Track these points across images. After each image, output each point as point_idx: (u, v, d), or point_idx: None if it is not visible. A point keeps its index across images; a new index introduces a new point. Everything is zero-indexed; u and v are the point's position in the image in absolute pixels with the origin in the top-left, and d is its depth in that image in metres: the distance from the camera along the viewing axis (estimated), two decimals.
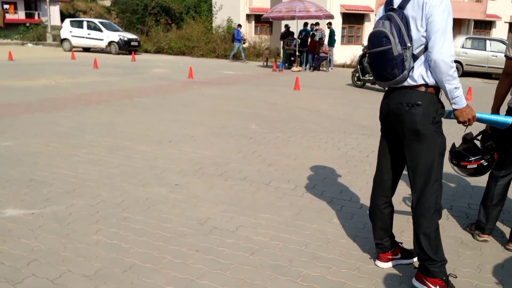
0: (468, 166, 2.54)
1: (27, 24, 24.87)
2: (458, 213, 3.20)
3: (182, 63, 15.88)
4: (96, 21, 20.29)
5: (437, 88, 2.08)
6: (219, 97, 8.43)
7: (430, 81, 2.04)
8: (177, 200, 3.25)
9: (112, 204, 3.12)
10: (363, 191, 3.55)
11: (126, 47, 19.02)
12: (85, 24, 19.73)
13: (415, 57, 2.04)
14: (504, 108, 2.65)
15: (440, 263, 2.11)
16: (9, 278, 2.16)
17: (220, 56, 19.73)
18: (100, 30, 19.34)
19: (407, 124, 2.07)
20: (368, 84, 10.91)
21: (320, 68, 15.60)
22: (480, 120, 2.24)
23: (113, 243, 2.56)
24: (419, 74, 2.05)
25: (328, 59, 15.90)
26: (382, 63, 2.06)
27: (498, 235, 2.84)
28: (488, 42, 15.28)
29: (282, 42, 16.04)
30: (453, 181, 3.89)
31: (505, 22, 25.05)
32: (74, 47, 19.32)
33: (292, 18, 14.79)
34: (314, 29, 15.13)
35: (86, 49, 20.06)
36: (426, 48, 2.03)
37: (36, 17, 25.92)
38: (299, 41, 15.25)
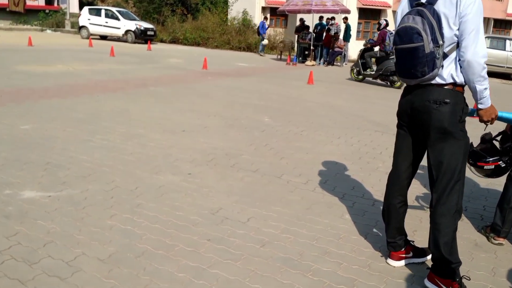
0: (485, 167, 2.51)
1: (47, 11, 25.10)
2: (473, 215, 3.16)
3: (196, 54, 15.90)
4: (114, 9, 20.40)
5: (463, 87, 2.06)
6: (233, 89, 8.44)
7: (460, 80, 2.01)
8: (189, 189, 3.28)
9: (126, 191, 3.17)
10: (376, 188, 3.53)
11: (142, 36, 19.12)
12: (103, 12, 19.86)
13: (445, 55, 2.00)
14: None
15: (455, 265, 2.08)
16: (26, 258, 2.21)
17: (234, 48, 19.70)
18: (117, 18, 19.45)
19: (434, 122, 2.03)
20: (369, 79, 10.87)
21: (334, 63, 15.47)
22: (501, 119, 2.23)
23: (126, 228, 2.60)
24: (448, 73, 2.02)
25: (343, 54, 15.76)
26: (411, 60, 2.01)
27: None
28: (508, 41, 14.95)
29: (296, 35, 15.91)
30: (468, 182, 3.83)
31: None
32: (91, 34, 19.48)
33: (308, 11, 14.64)
34: (330, 23, 14.96)
35: (103, 37, 20.20)
36: (457, 47, 1.99)
37: (55, 4, 26.12)
38: (314, 35, 15.12)
